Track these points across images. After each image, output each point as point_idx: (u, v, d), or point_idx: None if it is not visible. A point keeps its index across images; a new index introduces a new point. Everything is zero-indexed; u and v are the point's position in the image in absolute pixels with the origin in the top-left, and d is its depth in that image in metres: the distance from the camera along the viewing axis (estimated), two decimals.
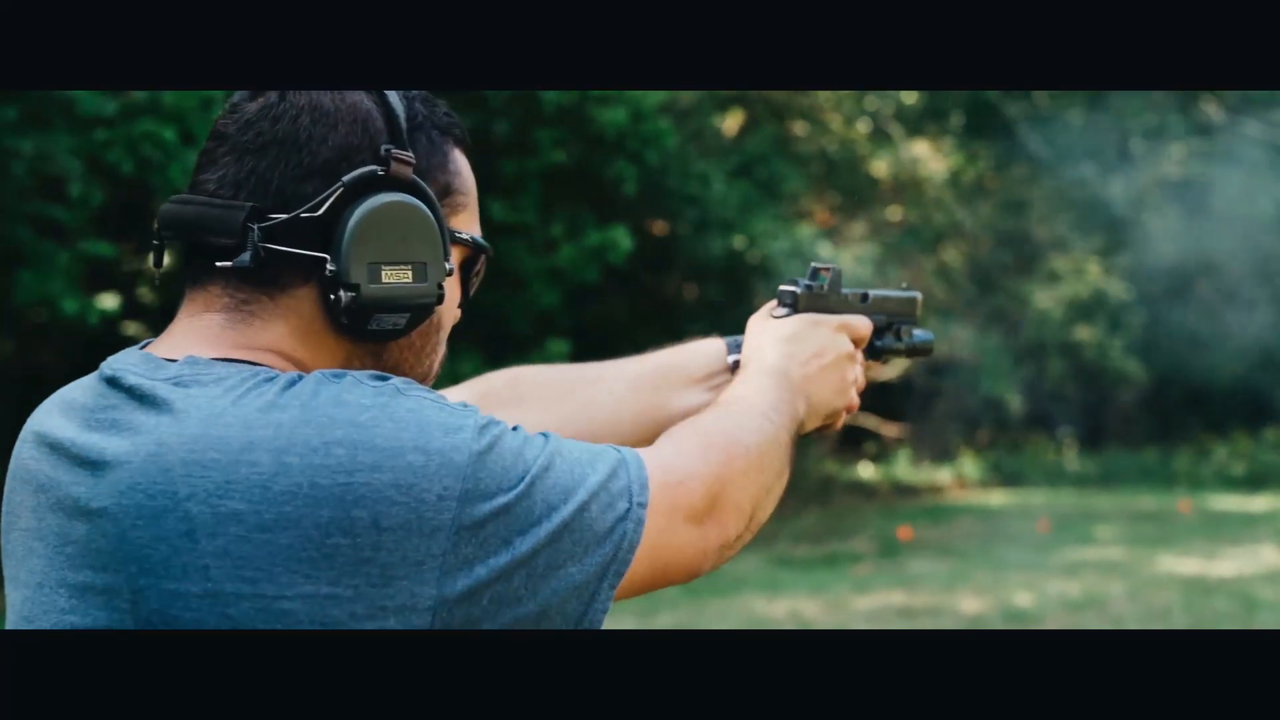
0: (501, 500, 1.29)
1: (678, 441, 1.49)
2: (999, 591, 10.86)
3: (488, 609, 1.29)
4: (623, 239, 13.03)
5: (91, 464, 1.29)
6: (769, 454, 1.55)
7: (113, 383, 1.35)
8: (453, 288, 1.50)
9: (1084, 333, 23.43)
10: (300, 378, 1.31)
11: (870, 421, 22.01)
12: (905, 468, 21.37)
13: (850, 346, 1.80)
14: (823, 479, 20.32)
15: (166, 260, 1.49)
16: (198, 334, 1.39)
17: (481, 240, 1.54)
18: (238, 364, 1.35)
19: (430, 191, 1.43)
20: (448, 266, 1.44)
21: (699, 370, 1.89)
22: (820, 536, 15.89)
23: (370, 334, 1.41)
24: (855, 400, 1.85)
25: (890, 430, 22.03)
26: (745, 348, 1.77)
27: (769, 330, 1.77)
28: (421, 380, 1.49)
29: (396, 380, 1.33)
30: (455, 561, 1.26)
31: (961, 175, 21.61)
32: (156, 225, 1.42)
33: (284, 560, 1.22)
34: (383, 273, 1.37)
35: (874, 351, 1.92)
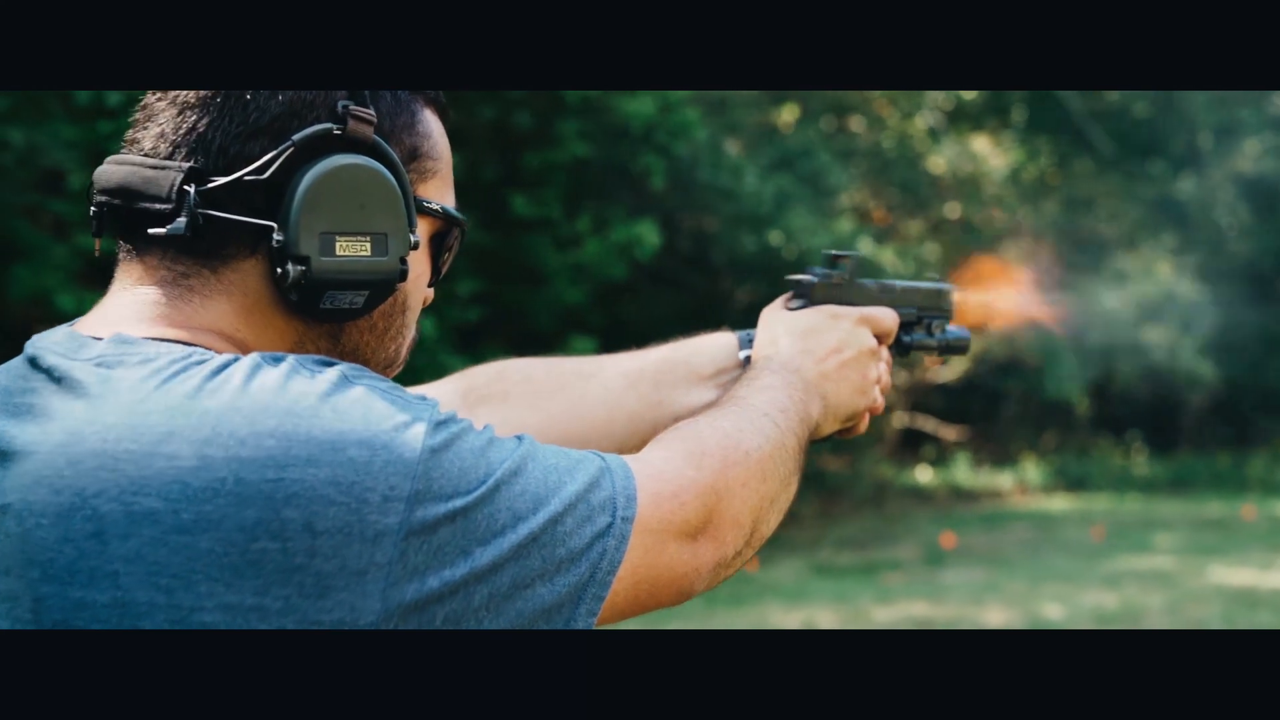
0: (458, 503, 1.12)
1: (669, 447, 1.32)
2: (1030, 603, 10.27)
3: (442, 629, 1.12)
4: (650, 234, 12.55)
5: (0, 454, 1.14)
6: (773, 461, 1.38)
7: (34, 363, 1.19)
8: (420, 263, 1.33)
9: (1154, 333, 22.70)
10: (235, 360, 1.14)
11: (929, 424, 21.38)
12: (965, 472, 20.70)
13: (873, 341, 1.61)
14: (877, 483, 19.73)
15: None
16: (130, 309, 1.22)
17: (454, 211, 1.35)
18: (170, 344, 1.18)
19: (394, 154, 1.26)
20: (412, 239, 1.26)
21: (706, 366, 1.69)
22: (865, 543, 15.34)
23: (323, 313, 1.24)
24: (879, 401, 1.64)
25: (949, 433, 21.38)
26: (756, 342, 1.60)
27: (782, 323, 1.60)
28: (386, 367, 1.33)
29: (344, 365, 1.17)
30: (403, 572, 1.09)
31: (1022, 172, 20.93)
32: (91, 188, 1.26)
33: (203, 567, 1.06)
34: (337, 244, 1.20)
35: (902, 348, 1.71)
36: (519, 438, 1.21)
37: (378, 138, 1.25)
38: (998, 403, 21.73)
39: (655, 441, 1.34)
